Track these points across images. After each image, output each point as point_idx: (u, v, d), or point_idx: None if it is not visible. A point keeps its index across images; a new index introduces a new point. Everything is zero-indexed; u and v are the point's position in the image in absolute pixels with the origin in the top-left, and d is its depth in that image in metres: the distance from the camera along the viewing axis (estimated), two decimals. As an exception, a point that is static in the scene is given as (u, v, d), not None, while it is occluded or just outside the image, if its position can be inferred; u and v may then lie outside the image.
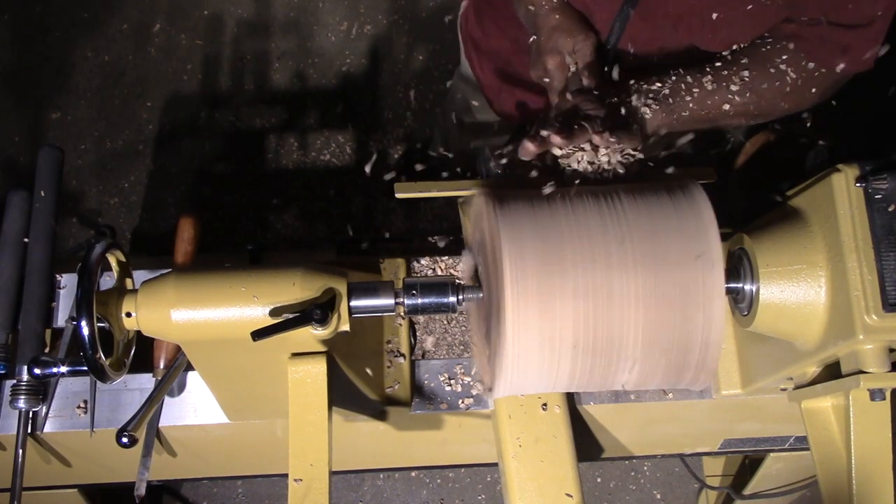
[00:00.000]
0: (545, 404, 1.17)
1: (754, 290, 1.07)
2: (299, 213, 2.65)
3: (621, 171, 1.11)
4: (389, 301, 1.01)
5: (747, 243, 1.09)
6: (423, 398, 1.27)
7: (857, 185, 0.98)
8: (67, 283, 1.34)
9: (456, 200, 1.30)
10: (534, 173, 1.13)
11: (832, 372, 1.08)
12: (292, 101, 2.78)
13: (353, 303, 1.00)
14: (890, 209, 0.97)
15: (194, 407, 1.27)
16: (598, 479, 2.57)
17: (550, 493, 1.12)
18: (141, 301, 0.96)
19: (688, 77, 1.18)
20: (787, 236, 1.05)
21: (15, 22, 2.87)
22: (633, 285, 0.96)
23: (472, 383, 1.28)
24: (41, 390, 1.24)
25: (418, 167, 1.56)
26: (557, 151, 1.10)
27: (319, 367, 1.02)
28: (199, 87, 2.80)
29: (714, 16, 1.19)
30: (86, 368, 0.96)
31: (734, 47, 1.23)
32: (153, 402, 1.16)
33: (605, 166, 1.11)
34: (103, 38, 2.85)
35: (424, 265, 1.36)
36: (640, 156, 1.14)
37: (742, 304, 1.11)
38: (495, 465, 1.24)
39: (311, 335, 0.97)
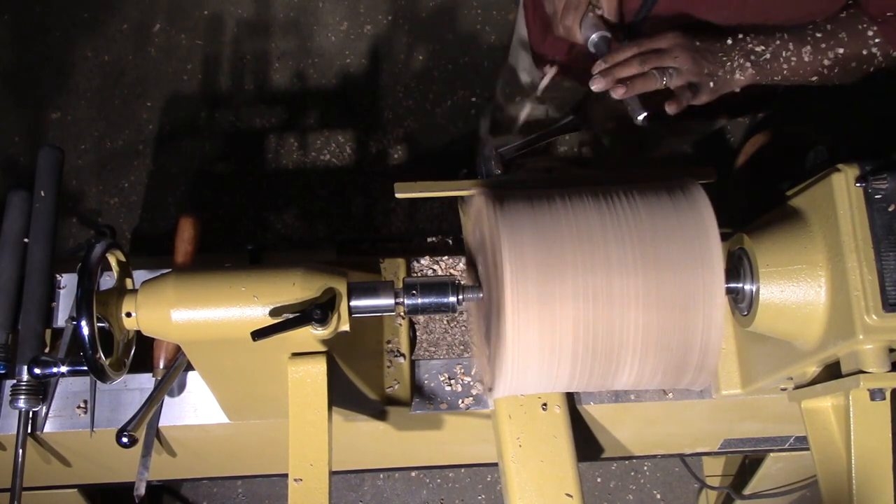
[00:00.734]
0: (545, 404, 1.17)
1: (754, 290, 1.07)
2: (299, 213, 2.65)
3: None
4: (389, 301, 1.01)
5: (747, 243, 1.09)
6: (423, 398, 1.27)
7: (857, 185, 0.98)
8: (67, 283, 1.34)
9: (456, 200, 1.30)
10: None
11: (832, 372, 1.08)
12: (292, 101, 2.78)
13: (353, 303, 1.00)
14: (890, 209, 0.97)
15: (194, 407, 1.27)
16: (598, 479, 2.57)
17: (550, 493, 1.12)
18: (141, 301, 0.96)
19: (790, 44, 1.17)
20: (787, 236, 1.05)
21: (15, 22, 2.87)
22: (633, 287, 0.96)
23: (472, 383, 1.28)
24: (41, 390, 1.24)
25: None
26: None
27: (319, 367, 1.02)
28: (199, 87, 2.80)
29: None
30: (86, 368, 0.96)
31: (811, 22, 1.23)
32: (153, 402, 1.16)
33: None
34: (103, 38, 2.85)
35: (424, 265, 1.36)
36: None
37: (742, 304, 1.11)
38: (495, 465, 1.24)
39: (311, 335, 0.97)
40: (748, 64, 1.15)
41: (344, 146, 2.74)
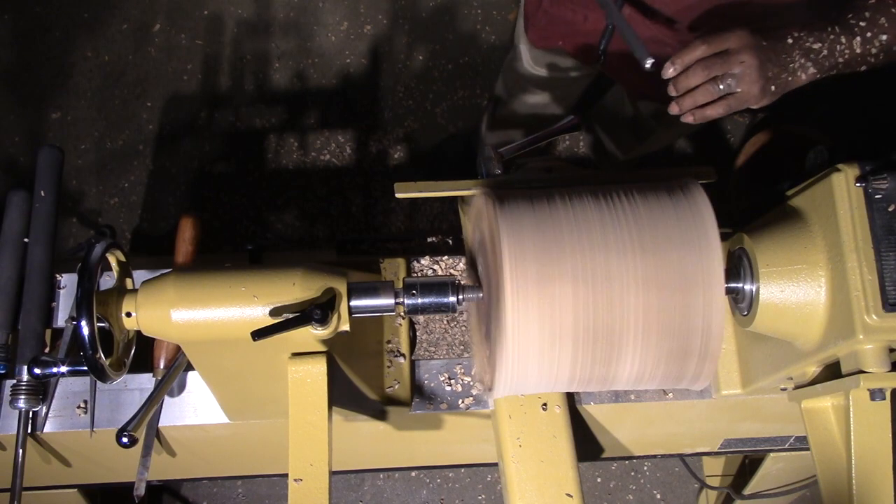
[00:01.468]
0: (545, 404, 1.17)
1: (754, 289, 1.07)
2: (299, 213, 2.65)
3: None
4: (389, 301, 1.01)
5: (747, 243, 1.09)
6: (423, 398, 1.27)
7: (857, 185, 0.98)
8: (67, 283, 1.34)
9: (456, 200, 1.30)
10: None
11: (832, 372, 1.08)
12: (292, 101, 2.78)
13: (353, 303, 1.00)
14: (890, 209, 0.97)
15: (194, 407, 1.27)
16: (598, 479, 2.57)
17: (550, 493, 1.12)
18: (141, 301, 0.96)
19: (842, 37, 1.16)
20: (787, 236, 1.05)
21: (15, 22, 2.87)
22: (631, 268, 0.97)
23: (472, 383, 1.28)
24: (41, 390, 1.24)
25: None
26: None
27: (319, 367, 1.02)
28: (199, 87, 2.80)
29: None
30: (86, 368, 0.96)
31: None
32: (153, 402, 1.16)
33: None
34: (103, 38, 2.85)
35: (424, 265, 1.36)
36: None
37: (742, 304, 1.11)
38: (495, 465, 1.24)
39: (311, 335, 0.97)
40: (809, 63, 1.15)
41: (344, 146, 2.74)
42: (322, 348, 1.02)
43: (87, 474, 1.43)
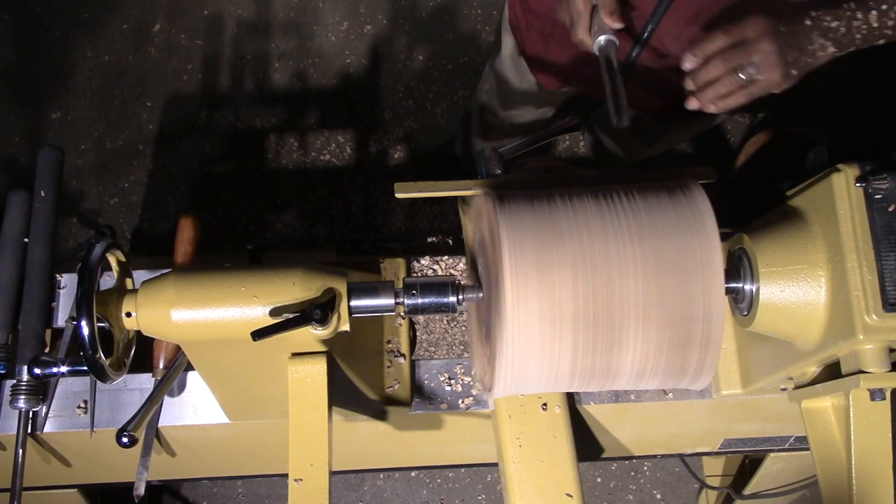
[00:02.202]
0: (545, 404, 1.17)
1: (754, 289, 1.07)
2: (299, 213, 2.65)
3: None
4: (389, 301, 1.01)
5: (747, 243, 1.09)
6: (423, 398, 1.27)
7: (857, 185, 0.98)
8: (67, 283, 1.34)
9: (456, 200, 1.30)
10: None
11: (832, 372, 1.08)
12: (292, 101, 2.78)
13: (353, 303, 1.00)
14: (890, 209, 0.97)
15: (194, 407, 1.27)
16: (598, 479, 2.57)
17: (550, 493, 1.12)
18: (141, 301, 0.96)
19: (858, 13, 1.15)
20: (787, 236, 1.05)
21: (15, 22, 2.87)
22: (630, 257, 0.97)
23: (472, 383, 1.28)
24: (41, 390, 1.24)
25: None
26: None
27: (319, 367, 1.02)
28: (199, 87, 2.80)
29: None
30: (86, 368, 0.96)
31: None
32: (153, 402, 1.16)
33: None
34: (103, 38, 2.85)
35: (424, 265, 1.36)
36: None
37: (742, 304, 1.11)
38: (495, 465, 1.24)
39: (311, 335, 0.97)
40: (828, 42, 1.14)
41: (344, 146, 2.74)
42: (322, 348, 1.02)
43: (87, 474, 1.43)
